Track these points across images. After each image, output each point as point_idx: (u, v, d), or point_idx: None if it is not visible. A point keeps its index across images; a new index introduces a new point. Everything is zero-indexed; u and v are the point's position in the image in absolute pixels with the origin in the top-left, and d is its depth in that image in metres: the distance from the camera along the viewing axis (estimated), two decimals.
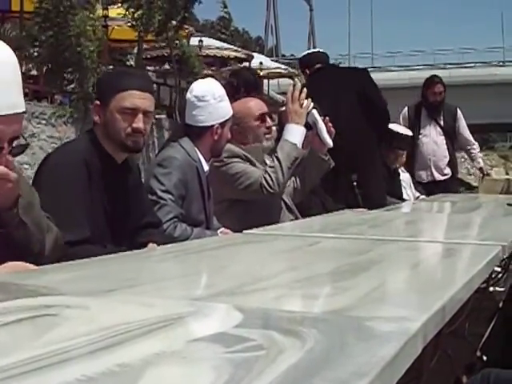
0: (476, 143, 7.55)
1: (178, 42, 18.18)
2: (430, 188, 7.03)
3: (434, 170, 7.29)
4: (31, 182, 2.55)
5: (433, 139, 7.27)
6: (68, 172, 2.61)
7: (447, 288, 1.49)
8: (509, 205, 4.34)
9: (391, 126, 5.71)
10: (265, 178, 3.67)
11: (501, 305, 3.81)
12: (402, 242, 2.58)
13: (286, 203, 4.07)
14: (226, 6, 28.33)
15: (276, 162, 3.72)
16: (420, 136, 7.24)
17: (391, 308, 1.34)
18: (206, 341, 1.06)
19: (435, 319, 1.26)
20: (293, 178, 4.15)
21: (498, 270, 3.63)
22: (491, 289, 3.87)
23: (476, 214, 4.12)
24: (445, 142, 7.25)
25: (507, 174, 15.45)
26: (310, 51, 6.29)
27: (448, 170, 7.30)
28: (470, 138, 7.48)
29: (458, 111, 7.39)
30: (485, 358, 3.14)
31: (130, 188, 2.86)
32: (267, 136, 3.96)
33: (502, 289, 4.32)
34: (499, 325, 3.41)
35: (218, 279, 1.74)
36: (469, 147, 7.48)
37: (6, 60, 1.91)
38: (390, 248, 2.46)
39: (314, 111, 4.03)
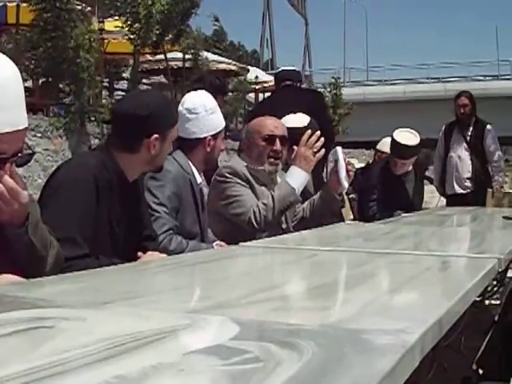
0: (499, 158, 7.52)
1: (173, 55, 18.25)
2: (452, 201, 7.30)
3: (455, 184, 7.47)
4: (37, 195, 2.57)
5: (458, 154, 7.46)
6: (76, 187, 2.59)
7: (444, 301, 1.49)
8: (504, 218, 4.35)
9: (394, 135, 5.76)
10: (254, 213, 3.62)
11: (496, 318, 3.81)
12: (398, 254, 2.58)
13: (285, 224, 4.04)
14: (217, 20, 28.37)
15: (270, 200, 3.66)
16: (450, 151, 7.48)
17: (388, 320, 1.33)
18: (202, 353, 1.06)
19: (432, 332, 1.26)
20: (303, 206, 4.13)
21: (494, 282, 3.63)
22: (487, 302, 3.86)
23: (472, 227, 4.13)
24: (469, 157, 7.34)
25: None
26: (285, 68, 6.53)
27: (469, 184, 7.41)
28: (495, 153, 7.48)
29: (488, 126, 7.44)
30: (481, 371, 3.13)
31: (135, 203, 2.85)
32: (271, 160, 3.87)
33: (498, 302, 4.32)
34: (495, 338, 3.40)
35: (214, 292, 1.73)
36: (493, 163, 7.49)
37: (11, 77, 1.91)
38: (386, 261, 2.46)
39: (339, 149, 4.00)
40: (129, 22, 15.65)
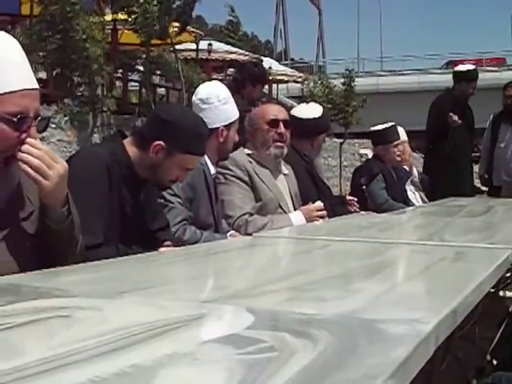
0: None
1: (181, 46, 18.16)
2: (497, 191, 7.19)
3: (503, 174, 7.35)
4: None
5: (506, 144, 7.34)
6: (89, 177, 2.59)
7: (458, 291, 1.49)
8: None
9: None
10: (246, 223, 3.63)
11: (510, 309, 3.80)
12: (412, 245, 2.58)
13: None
14: (233, 10, 28.24)
15: (269, 223, 3.65)
16: (498, 141, 7.38)
17: (403, 310, 1.34)
18: (217, 342, 1.06)
19: (447, 322, 1.26)
20: None
21: (508, 274, 3.62)
22: (501, 293, 3.85)
23: (485, 218, 4.11)
24: None
25: None
26: None
27: None
28: None
29: None
30: (495, 361, 3.13)
31: (146, 194, 2.85)
32: (277, 143, 3.89)
33: None
34: (509, 329, 3.40)
35: (229, 282, 1.74)
36: None
37: (13, 44, 1.94)
38: (401, 251, 2.46)
39: None
40: (133, 16, 15.53)
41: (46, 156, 1.92)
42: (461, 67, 7.53)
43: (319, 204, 3.85)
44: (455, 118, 6.89)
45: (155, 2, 14.97)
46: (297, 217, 3.79)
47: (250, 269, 2.07)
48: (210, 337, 1.13)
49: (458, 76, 7.27)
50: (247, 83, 5.65)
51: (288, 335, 1.06)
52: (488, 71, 34.51)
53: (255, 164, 3.83)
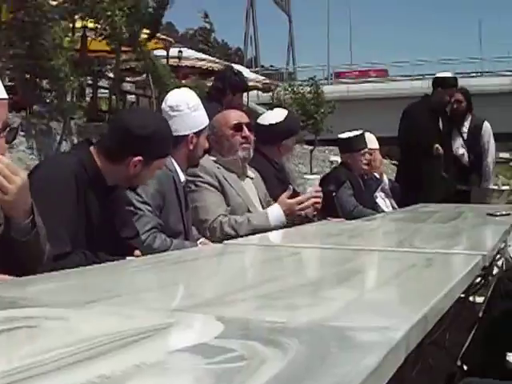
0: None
1: (150, 53, 18.12)
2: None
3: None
4: None
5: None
6: (56, 185, 2.58)
7: (429, 297, 1.48)
8: (488, 214, 4.36)
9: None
10: (221, 224, 3.64)
11: (480, 314, 3.82)
12: (382, 251, 2.58)
13: None
14: (207, 16, 28.25)
15: (245, 223, 3.70)
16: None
17: (374, 318, 1.33)
18: (186, 352, 1.05)
19: (417, 329, 1.25)
20: None
21: (478, 279, 3.63)
22: (471, 298, 3.87)
23: (456, 224, 4.13)
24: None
25: None
26: None
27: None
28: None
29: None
30: (465, 367, 3.14)
31: (115, 202, 2.84)
32: (244, 146, 3.94)
33: (482, 298, 4.33)
34: (479, 334, 3.41)
35: (199, 290, 1.73)
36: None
37: None
38: (371, 258, 2.46)
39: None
40: (101, 22, 15.44)
41: (6, 170, 1.89)
42: (439, 74, 7.55)
43: (300, 198, 3.87)
44: (440, 150, 6.92)
45: (124, 10, 14.91)
46: (274, 211, 3.81)
47: (220, 277, 2.06)
48: (179, 346, 1.11)
49: (434, 82, 7.29)
50: (227, 91, 5.66)
51: (258, 344, 1.05)
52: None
53: (223, 169, 3.85)
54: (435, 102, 7.18)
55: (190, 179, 3.66)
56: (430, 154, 6.88)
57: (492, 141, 7.38)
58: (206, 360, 0.98)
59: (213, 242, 3.24)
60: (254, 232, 3.57)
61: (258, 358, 0.98)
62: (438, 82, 7.23)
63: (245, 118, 4.03)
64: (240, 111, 4.16)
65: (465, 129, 7.29)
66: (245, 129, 3.95)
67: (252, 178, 4.08)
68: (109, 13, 14.74)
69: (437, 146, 6.89)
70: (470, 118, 7.29)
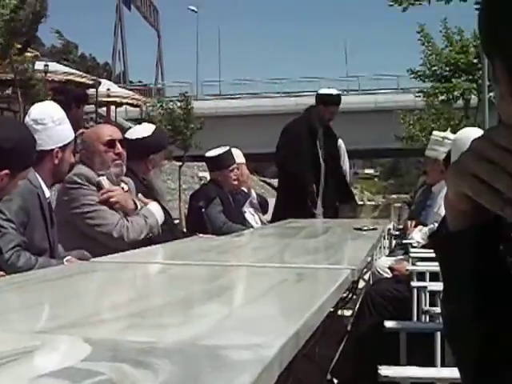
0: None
1: (21, 66, 17.71)
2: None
3: None
4: None
5: None
6: None
7: (300, 313, 1.48)
8: (355, 229, 4.44)
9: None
10: (124, 228, 3.63)
11: (349, 327, 3.87)
12: (252, 267, 2.57)
13: None
14: (59, 33, 27.72)
15: (142, 218, 3.72)
16: None
17: (246, 335, 1.31)
18: (52, 376, 1.00)
19: (290, 345, 1.24)
20: None
21: (346, 293, 3.69)
22: (339, 312, 3.93)
23: (325, 239, 4.18)
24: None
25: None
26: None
27: None
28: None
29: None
30: (335, 380, 3.18)
31: None
32: (116, 162, 3.87)
33: (350, 312, 4.40)
34: (348, 347, 3.46)
35: (65, 310, 1.66)
36: None
37: None
38: (241, 274, 2.45)
39: None
40: None
41: None
42: (321, 90, 7.55)
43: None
44: (314, 189, 6.98)
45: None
46: (154, 205, 3.89)
47: (87, 296, 2.00)
48: (45, 370, 1.05)
49: (316, 99, 7.29)
50: (72, 105, 5.59)
51: (127, 366, 1.01)
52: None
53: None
54: (315, 119, 7.18)
55: (72, 187, 3.61)
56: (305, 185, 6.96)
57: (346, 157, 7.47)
58: None
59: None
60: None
61: (128, 380, 0.94)
62: (319, 99, 7.25)
63: (118, 134, 3.96)
64: (112, 126, 4.09)
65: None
66: (118, 145, 3.88)
67: (127, 191, 4.02)
68: None
69: (311, 189, 6.94)
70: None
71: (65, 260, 3.25)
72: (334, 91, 7.52)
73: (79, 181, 3.66)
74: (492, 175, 0.86)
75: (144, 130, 4.51)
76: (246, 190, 6.44)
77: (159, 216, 3.85)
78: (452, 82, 23.48)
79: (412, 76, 24.59)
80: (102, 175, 3.76)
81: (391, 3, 8.36)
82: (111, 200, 3.69)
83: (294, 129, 7.25)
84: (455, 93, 24.08)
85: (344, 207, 7.34)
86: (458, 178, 0.91)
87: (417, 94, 25.49)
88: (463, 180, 0.90)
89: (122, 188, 3.91)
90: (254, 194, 6.67)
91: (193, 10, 62.85)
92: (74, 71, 22.81)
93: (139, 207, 3.73)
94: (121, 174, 3.93)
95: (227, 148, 5.92)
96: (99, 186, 3.71)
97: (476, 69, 21.83)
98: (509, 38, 0.87)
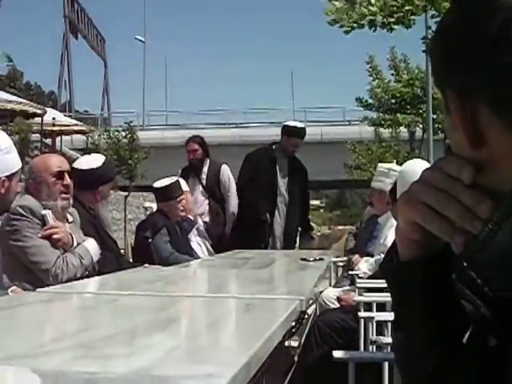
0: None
1: None
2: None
3: None
4: None
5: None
6: None
7: (250, 343, 1.47)
8: (302, 259, 4.45)
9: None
10: (60, 268, 3.55)
11: (296, 358, 3.87)
12: (200, 298, 2.56)
13: None
14: (10, 60, 27.38)
15: (77, 256, 3.63)
16: None
17: (196, 365, 1.30)
18: None
19: (241, 375, 1.23)
20: None
21: (293, 323, 3.69)
22: (286, 343, 3.92)
23: (272, 269, 4.19)
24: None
25: None
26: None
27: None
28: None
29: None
30: None
31: None
32: (64, 196, 3.80)
33: (297, 342, 4.39)
34: (296, 378, 3.45)
35: (11, 341, 1.63)
36: None
37: None
38: (189, 304, 2.44)
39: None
40: None
41: None
42: (287, 122, 7.63)
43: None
44: (268, 220, 7.01)
45: None
46: (90, 242, 3.78)
47: (33, 327, 1.96)
48: None
49: (281, 130, 7.35)
50: None
51: None
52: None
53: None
54: (278, 149, 7.24)
55: (15, 218, 3.54)
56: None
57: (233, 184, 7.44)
58: None
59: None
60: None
61: None
62: (283, 130, 7.32)
63: (66, 165, 3.89)
64: (60, 156, 4.03)
65: (204, 175, 7.30)
66: (66, 177, 3.82)
67: (70, 222, 3.96)
68: None
69: (265, 217, 6.98)
70: (207, 165, 7.32)
71: (9, 291, 3.20)
72: (298, 124, 7.62)
73: (23, 212, 3.59)
74: (442, 203, 0.87)
75: (94, 161, 4.47)
76: (191, 218, 6.41)
77: (94, 254, 3.77)
78: (397, 116, 23.87)
79: (360, 105, 24.87)
80: (48, 208, 3.70)
81: (331, 22, 8.32)
82: (54, 237, 3.63)
83: (256, 157, 7.32)
84: (401, 127, 24.50)
85: (304, 237, 7.39)
86: (409, 206, 0.92)
87: (363, 122, 25.85)
88: (414, 209, 0.91)
89: (67, 219, 3.86)
90: (200, 221, 6.66)
91: (140, 40, 62.71)
92: (17, 99, 22.58)
93: (75, 244, 3.65)
94: (67, 207, 3.86)
95: (175, 179, 5.89)
96: (43, 220, 3.64)
97: (421, 102, 22.15)
98: (460, 66, 0.88)
